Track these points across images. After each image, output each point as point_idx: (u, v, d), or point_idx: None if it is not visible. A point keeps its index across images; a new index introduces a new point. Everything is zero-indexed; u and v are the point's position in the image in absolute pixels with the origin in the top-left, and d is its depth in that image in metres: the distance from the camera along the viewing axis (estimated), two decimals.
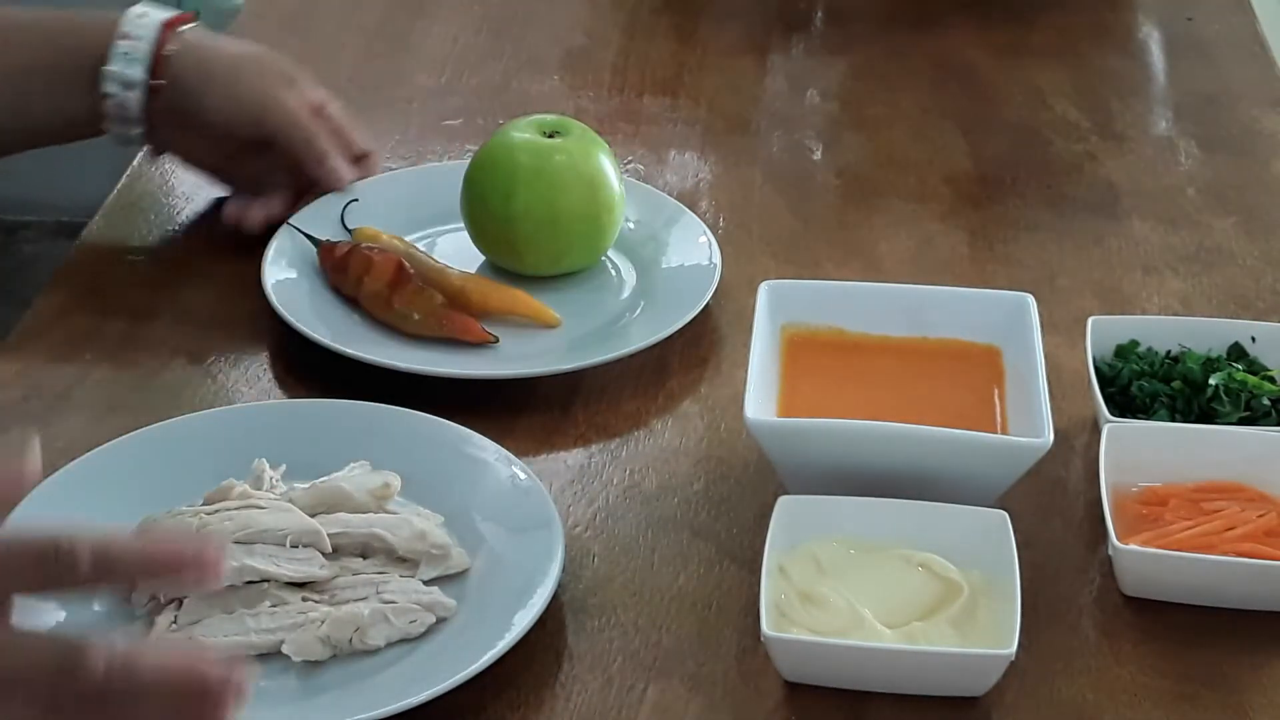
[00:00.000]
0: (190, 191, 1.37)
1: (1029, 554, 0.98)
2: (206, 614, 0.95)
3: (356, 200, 1.29)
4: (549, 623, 0.98)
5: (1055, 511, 1.07)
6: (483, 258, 1.27)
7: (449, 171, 1.30)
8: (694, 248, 1.27)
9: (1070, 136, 1.48)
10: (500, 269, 1.26)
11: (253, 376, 1.18)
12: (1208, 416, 1.09)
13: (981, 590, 0.96)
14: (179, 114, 1.26)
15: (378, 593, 0.97)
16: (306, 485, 1.02)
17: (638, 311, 1.23)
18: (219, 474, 1.01)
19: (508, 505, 1.04)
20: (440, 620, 0.97)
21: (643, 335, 1.19)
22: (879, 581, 0.97)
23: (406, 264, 1.21)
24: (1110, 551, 1.00)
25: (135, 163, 1.40)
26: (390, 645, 0.96)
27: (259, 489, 1.01)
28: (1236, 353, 1.14)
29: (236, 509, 0.98)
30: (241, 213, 1.29)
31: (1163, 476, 1.04)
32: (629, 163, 1.42)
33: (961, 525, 0.99)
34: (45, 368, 1.18)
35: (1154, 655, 0.98)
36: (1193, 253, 1.32)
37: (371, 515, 1.01)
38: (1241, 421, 1.09)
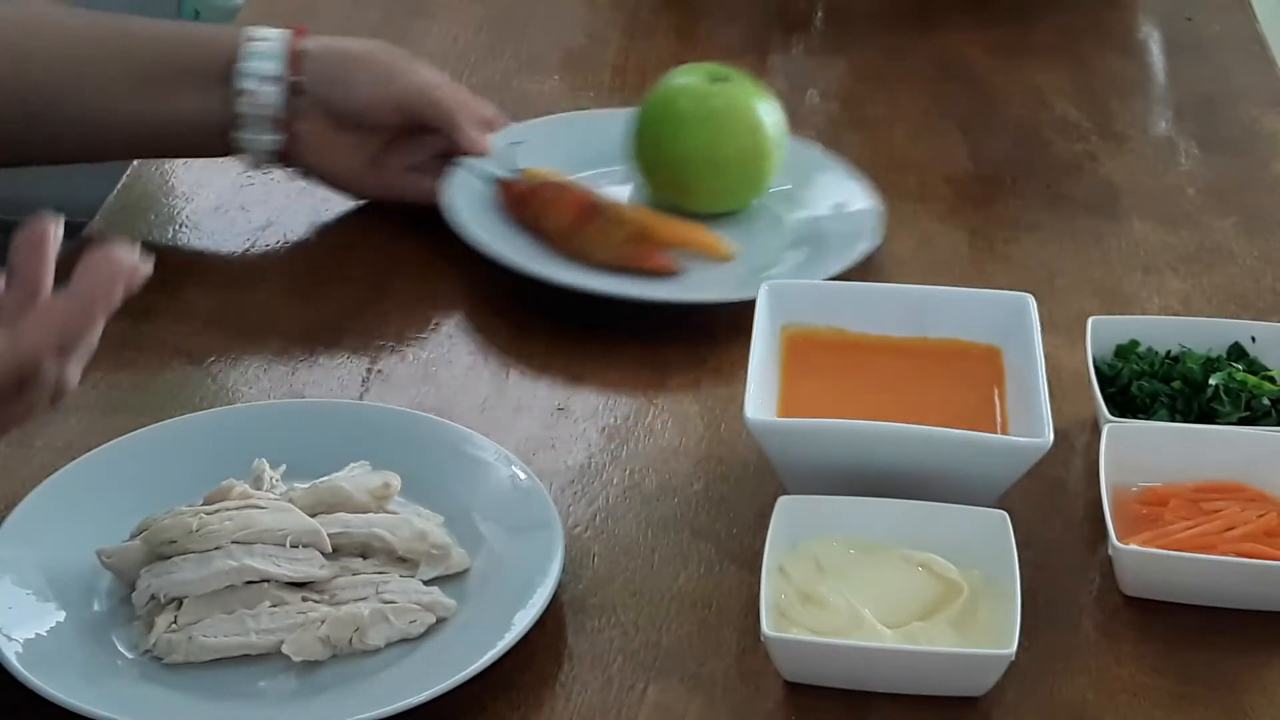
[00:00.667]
0: (190, 191, 1.37)
1: (1029, 554, 0.98)
2: (206, 614, 0.95)
3: (523, 142, 1.34)
4: (549, 623, 0.98)
5: (1055, 511, 1.07)
6: (640, 199, 1.34)
7: (604, 118, 1.39)
8: (852, 198, 1.33)
9: (1070, 136, 1.48)
10: (666, 207, 1.31)
11: (253, 376, 1.18)
12: (1208, 416, 1.09)
13: (981, 590, 0.96)
14: (327, 110, 1.27)
15: (378, 593, 0.97)
16: (306, 485, 1.02)
17: (802, 252, 1.29)
18: (219, 474, 1.01)
19: (508, 505, 1.04)
20: (440, 620, 0.97)
21: (810, 273, 1.24)
22: (879, 581, 0.97)
23: (593, 198, 1.27)
24: (1110, 551, 1.00)
25: (135, 163, 1.40)
26: (390, 645, 0.96)
27: (259, 489, 1.01)
28: (1236, 353, 1.14)
29: (236, 509, 0.98)
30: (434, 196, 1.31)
31: (1163, 476, 1.04)
32: None
33: (961, 525, 0.99)
34: None
35: (1154, 655, 0.98)
36: (1193, 253, 1.32)
37: (371, 515, 1.01)
38: (1241, 421, 1.09)
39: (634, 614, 1.00)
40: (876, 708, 0.94)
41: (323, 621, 0.95)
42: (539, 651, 0.97)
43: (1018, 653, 0.92)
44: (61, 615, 0.96)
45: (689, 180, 1.31)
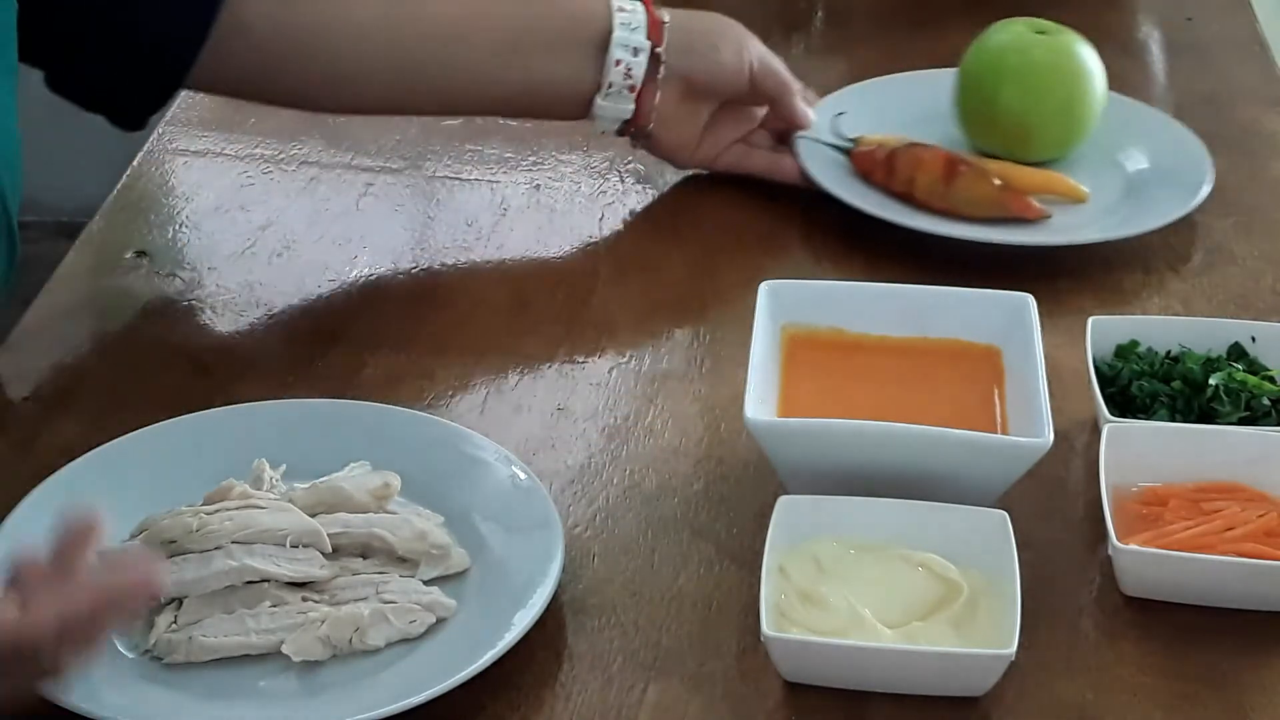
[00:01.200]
0: (190, 192, 1.37)
1: (1029, 554, 0.98)
2: (206, 614, 0.95)
3: (845, 112, 1.40)
4: (549, 623, 0.98)
5: (1055, 511, 1.07)
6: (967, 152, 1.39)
7: (902, 82, 1.48)
8: (1173, 144, 1.40)
9: None
10: (995, 159, 1.37)
11: (253, 377, 1.17)
12: (1208, 416, 1.09)
13: (981, 590, 0.96)
14: (683, 80, 1.32)
15: (378, 593, 0.97)
16: (306, 485, 1.02)
17: (1137, 197, 1.35)
18: (219, 474, 1.01)
19: (508, 505, 1.03)
20: (440, 620, 0.97)
21: (1151, 218, 1.31)
22: (879, 581, 0.97)
23: (954, 154, 1.33)
24: (1110, 551, 1.00)
25: (136, 162, 1.40)
26: (390, 645, 0.96)
27: (259, 489, 1.01)
28: (1236, 353, 1.14)
29: (236, 509, 0.98)
30: (780, 168, 1.37)
31: (1163, 476, 1.04)
32: (629, 162, 1.42)
33: (961, 525, 0.99)
34: (45, 368, 1.18)
35: (1154, 655, 0.98)
36: (1193, 253, 1.32)
37: (371, 515, 1.01)
38: (1241, 421, 1.09)
39: (634, 614, 1.00)
40: (876, 708, 0.94)
41: (323, 621, 0.95)
42: (539, 651, 0.97)
43: (1018, 653, 0.92)
44: None
45: (1018, 131, 1.37)
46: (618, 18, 1.30)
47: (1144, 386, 1.11)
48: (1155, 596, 1.01)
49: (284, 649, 0.95)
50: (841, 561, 0.98)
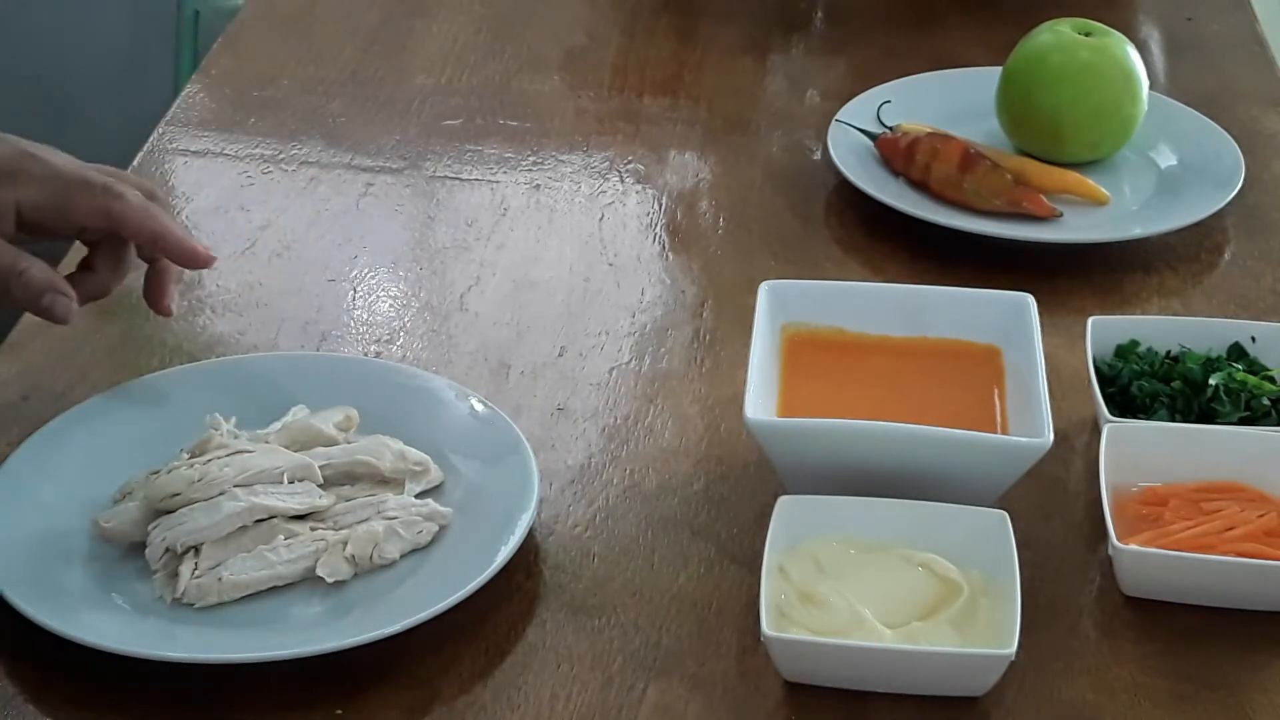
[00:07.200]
0: (190, 191, 1.37)
1: (1029, 554, 0.98)
2: (225, 556, 0.98)
3: (889, 101, 1.43)
4: (549, 623, 0.98)
5: (1055, 511, 1.07)
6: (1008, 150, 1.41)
7: (955, 77, 1.49)
8: (1209, 145, 1.41)
9: None
10: (1035, 158, 1.39)
11: None
12: (1208, 416, 1.09)
13: (981, 590, 0.96)
14: None
15: (379, 512, 1.01)
16: (278, 427, 1.05)
17: (1167, 197, 1.36)
18: (164, 436, 1.05)
19: (472, 436, 1.07)
20: (441, 530, 1.01)
21: (1177, 218, 1.32)
22: (879, 581, 0.97)
23: (973, 146, 1.34)
24: (1110, 551, 1.00)
25: (136, 162, 1.40)
26: (404, 557, 1.00)
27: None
28: (1236, 353, 1.14)
29: (229, 455, 1.01)
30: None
31: (1163, 476, 1.04)
32: (629, 163, 1.42)
33: (961, 525, 0.99)
34: (45, 368, 1.18)
35: (1154, 655, 0.98)
36: (1193, 253, 1.32)
37: (350, 445, 1.05)
38: (1241, 421, 1.09)
39: (634, 614, 1.00)
40: (876, 708, 0.94)
41: (345, 543, 0.99)
42: (539, 652, 0.97)
43: (1018, 653, 0.92)
44: (70, 572, 0.99)
45: (1061, 131, 1.38)
46: None
47: (1144, 386, 1.11)
48: (1155, 596, 1.01)
49: (319, 571, 0.98)
50: (841, 561, 0.98)
